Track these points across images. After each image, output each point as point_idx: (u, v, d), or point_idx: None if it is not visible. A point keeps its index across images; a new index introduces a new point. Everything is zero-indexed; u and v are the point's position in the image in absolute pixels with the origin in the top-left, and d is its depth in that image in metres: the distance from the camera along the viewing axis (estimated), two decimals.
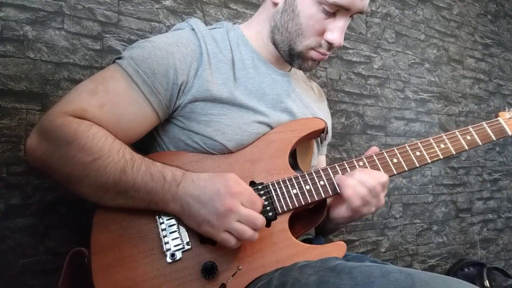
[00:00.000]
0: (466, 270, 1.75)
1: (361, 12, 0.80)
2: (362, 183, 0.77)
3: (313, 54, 0.82)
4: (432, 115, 1.85)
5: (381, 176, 0.79)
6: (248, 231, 0.66)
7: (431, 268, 1.76)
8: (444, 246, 1.83)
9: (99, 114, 0.71)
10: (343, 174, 0.80)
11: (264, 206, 0.75)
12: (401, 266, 1.60)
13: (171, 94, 0.76)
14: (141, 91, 0.73)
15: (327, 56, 0.84)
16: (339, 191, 0.79)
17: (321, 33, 0.80)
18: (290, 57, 0.84)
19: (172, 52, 0.75)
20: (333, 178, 0.80)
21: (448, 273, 1.77)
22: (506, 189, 2.14)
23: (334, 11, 0.77)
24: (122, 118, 0.73)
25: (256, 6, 1.32)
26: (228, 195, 0.66)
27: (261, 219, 0.68)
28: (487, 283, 1.61)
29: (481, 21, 2.13)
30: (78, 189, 0.69)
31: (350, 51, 1.59)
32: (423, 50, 1.85)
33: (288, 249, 0.74)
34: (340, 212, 0.83)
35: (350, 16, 0.80)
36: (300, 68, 0.86)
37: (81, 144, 0.66)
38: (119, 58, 0.76)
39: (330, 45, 0.81)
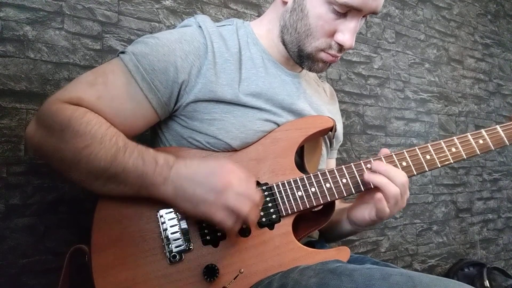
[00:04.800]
0: (466, 270, 1.75)
1: (374, 13, 0.76)
2: (392, 178, 0.74)
3: (323, 56, 0.79)
4: (432, 115, 1.84)
5: (403, 175, 0.75)
6: (247, 205, 0.65)
7: (431, 268, 1.76)
8: (444, 246, 1.83)
9: (97, 105, 0.71)
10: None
11: (268, 208, 0.74)
12: (401, 266, 1.60)
13: (171, 92, 0.75)
14: (140, 88, 0.72)
15: (338, 58, 0.80)
16: (369, 187, 0.77)
17: (331, 34, 0.76)
18: (299, 58, 0.81)
19: (173, 50, 0.74)
20: (356, 176, 0.78)
21: (448, 273, 1.77)
22: (506, 189, 2.14)
23: (345, 12, 0.74)
24: (118, 112, 0.72)
25: (256, 6, 1.32)
26: (224, 172, 0.66)
27: (258, 195, 0.67)
28: (487, 283, 1.61)
29: (481, 21, 2.13)
30: (70, 175, 0.69)
31: (350, 51, 1.59)
32: (423, 50, 1.85)
33: (291, 253, 0.73)
34: (363, 213, 0.79)
35: (363, 16, 0.77)
36: (310, 70, 0.83)
37: (75, 130, 0.66)
38: (123, 53, 0.75)
39: (340, 47, 0.77)
